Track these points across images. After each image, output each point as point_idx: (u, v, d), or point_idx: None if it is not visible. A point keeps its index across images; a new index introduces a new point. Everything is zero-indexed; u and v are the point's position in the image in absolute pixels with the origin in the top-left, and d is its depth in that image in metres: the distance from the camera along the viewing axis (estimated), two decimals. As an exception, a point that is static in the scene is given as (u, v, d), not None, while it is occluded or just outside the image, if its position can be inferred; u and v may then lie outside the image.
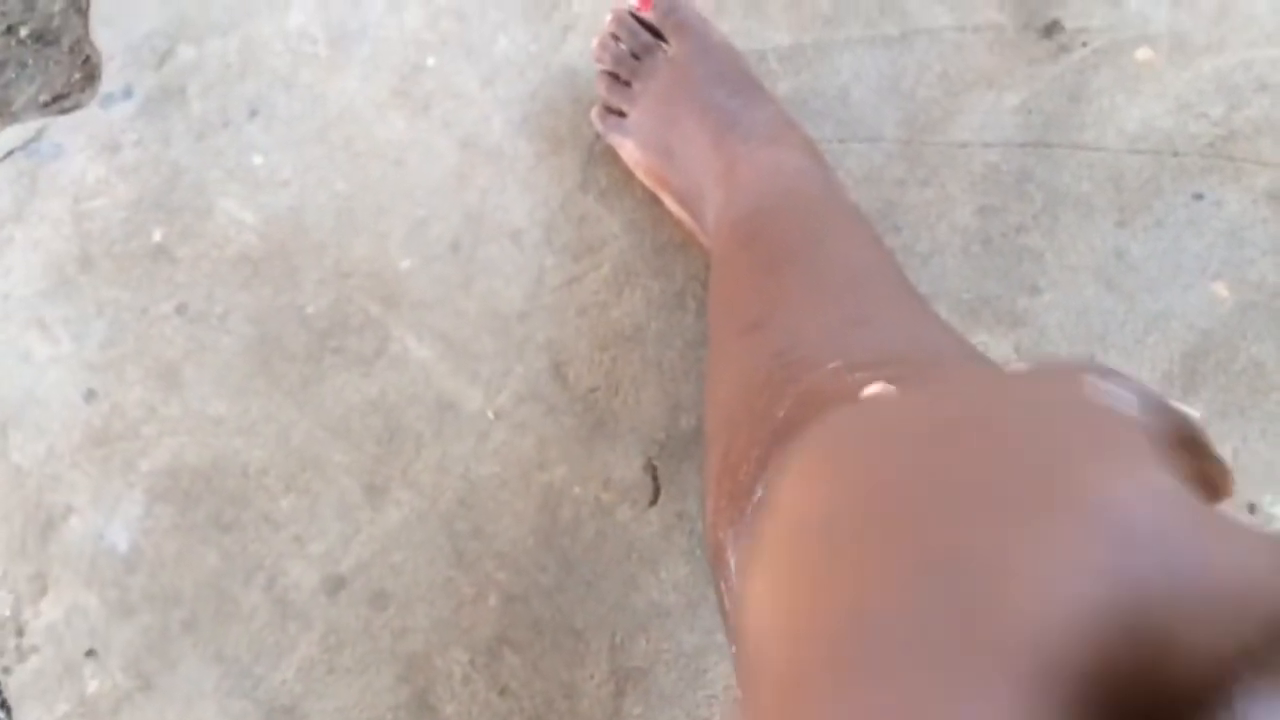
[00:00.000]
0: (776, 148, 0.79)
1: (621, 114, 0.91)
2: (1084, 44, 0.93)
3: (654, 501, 0.88)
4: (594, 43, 0.92)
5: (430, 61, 1.00)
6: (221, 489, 0.91)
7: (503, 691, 0.82)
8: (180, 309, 0.97)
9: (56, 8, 1.08)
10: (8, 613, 0.89)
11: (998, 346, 0.85)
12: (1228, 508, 0.28)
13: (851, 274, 0.63)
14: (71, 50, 1.07)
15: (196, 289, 0.97)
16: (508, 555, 0.86)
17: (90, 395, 0.97)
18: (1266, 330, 0.83)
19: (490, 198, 0.95)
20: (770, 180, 0.76)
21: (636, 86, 0.89)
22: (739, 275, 0.69)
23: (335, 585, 0.87)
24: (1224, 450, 0.81)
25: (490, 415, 0.90)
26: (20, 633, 0.89)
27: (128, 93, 1.02)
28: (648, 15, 0.90)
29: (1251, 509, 0.79)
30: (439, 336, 0.93)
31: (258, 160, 0.99)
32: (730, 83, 0.85)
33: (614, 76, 0.91)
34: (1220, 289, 0.84)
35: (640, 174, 0.91)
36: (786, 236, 0.68)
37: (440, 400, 0.91)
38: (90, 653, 0.87)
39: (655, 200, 0.92)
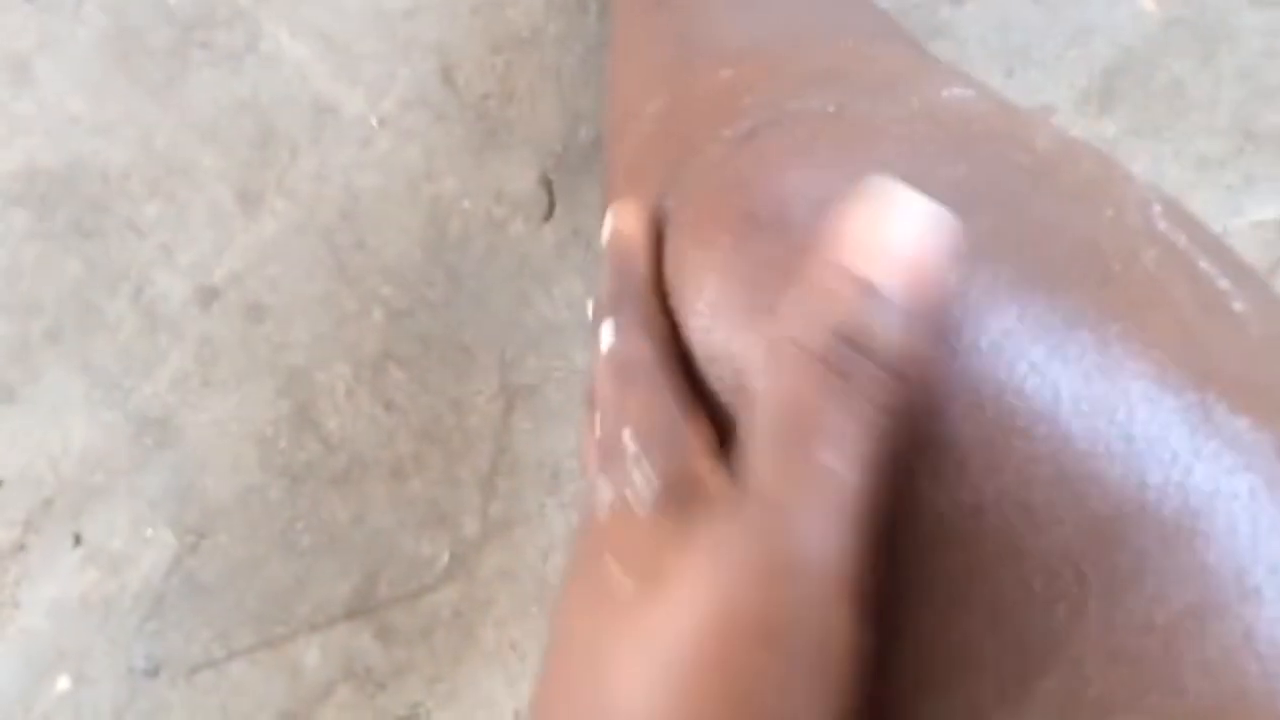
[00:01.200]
0: None
1: None
2: None
3: (548, 216, 0.83)
4: None
5: None
6: (81, 193, 0.84)
7: (388, 406, 0.80)
8: (26, -5, 0.87)
9: None
10: None
11: (914, 59, 0.81)
12: None
13: None
14: None
15: (43, -27, 0.87)
16: (393, 269, 0.82)
17: (-72, 89, 0.88)
18: (1190, 48, 0.79)
19: (371, -124, 0.86)
20: None
21: None
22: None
23: (208, 296, 0.82)
24: (1134, 170, 0.79)
25: (373, 121, 0.84)
26: None
27: None
28: None
29: (1155, 231, 0.78)
30: (316, 33, 0.85)
31: None
32: None
33: None
34: (1148, 3, 0.80)
35: None
36: None
37: (318, 103, 0.84)
38: (-55, 363, 0.82)
39: (555, -115, 0.84)
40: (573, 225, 0.83)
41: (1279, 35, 0.79)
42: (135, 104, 0.85)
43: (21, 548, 0.78)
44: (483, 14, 0.85)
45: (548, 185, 0.84)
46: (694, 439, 0.27)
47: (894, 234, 0.24)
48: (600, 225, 0.33)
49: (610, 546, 0.27)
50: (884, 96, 0.33)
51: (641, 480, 0.26)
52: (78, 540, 0.78)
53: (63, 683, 0.76)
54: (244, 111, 0.85)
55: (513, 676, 0.81)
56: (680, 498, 0.26)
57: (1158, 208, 0.30)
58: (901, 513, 0.24)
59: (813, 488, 0.23)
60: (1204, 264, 0.28)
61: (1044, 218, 0.28)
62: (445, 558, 0.78)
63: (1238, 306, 0.28)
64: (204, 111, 0.85)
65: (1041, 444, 0.24)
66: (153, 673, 0.75)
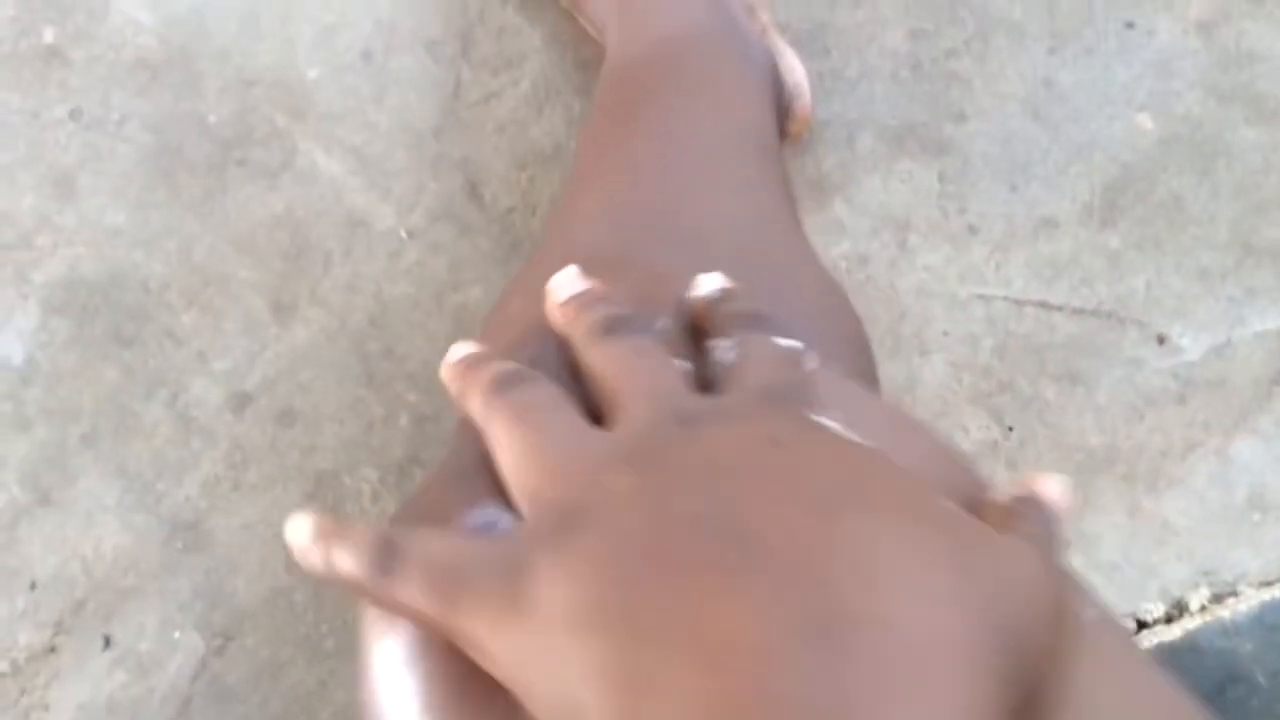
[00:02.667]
0: None
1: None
2: None
3: (570, 325, 0.86)
4: None
5: None
6: (120, 303, 0.87)
7: (412, 509, 0.82)
8: (74, 114, 0.92)
9: None
10: (-104, 426, 0.86)
11: (922, 175, 0.84)
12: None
13: (678, 152, 0.59)
14: None
15: (91, 93, 0.92)
16: (419, 376, 0.85)
17: (-22, 204, 0.92)
18: (1188, 164, 0.82)
19: (403, 4, 0.90)
20: (658, 21, 0.72)
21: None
22: (588, 135, 0.66)
23: (241, 402, 0.85)
24: (1136, 283, 0.81)
25: (403, 234, 0.87)
26: (-90, 446, 0.86)
27: (10, -123, 0.94)
28: None
29: (1161, 340, 0.80)
30: (349, 150, 0.89)
31: (154, -44, 0.92)
32: None
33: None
34: (1145, 121, 0.83)
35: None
36: (638, 97, 0.65)
37: (350, 217, 0.88)
38: (-15, 467, 0.85)
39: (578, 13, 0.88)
40: (593, 333, 0.86)
41: (1275, 150, 0.82)
42: (175, 218, 0.89)
43: (52, 649, 0.80)
44: (507, 132, 0.89)
45: (569, 295, 0.87)
46: None
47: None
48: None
49: None
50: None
51: None
52: (108, 643, 0.80)
53: (89, 785, 0.77)
54: (279, 225, 0.88)
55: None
56: None
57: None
58: None
59: None
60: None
61: None
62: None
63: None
64: (241, 225, 0.88)
65: None
66: (178, 775, 0.76)
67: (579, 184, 0.62)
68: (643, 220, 0.52)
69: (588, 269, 0.44)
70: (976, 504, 0.30)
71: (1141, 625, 0.72)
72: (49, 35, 0.92)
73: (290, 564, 0.81)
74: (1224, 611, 0.69)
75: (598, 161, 0.62)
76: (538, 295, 0.45)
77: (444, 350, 0.87)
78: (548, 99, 0.89)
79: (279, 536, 0.81)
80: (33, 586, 0.81)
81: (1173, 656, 0.65)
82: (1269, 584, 0.72)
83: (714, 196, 0.56)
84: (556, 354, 0.36)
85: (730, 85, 0.69)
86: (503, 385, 0.33)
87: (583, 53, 0.89)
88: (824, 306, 0.56)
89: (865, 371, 0.57)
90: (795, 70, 0.79)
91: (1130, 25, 0.85)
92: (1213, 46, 0.84)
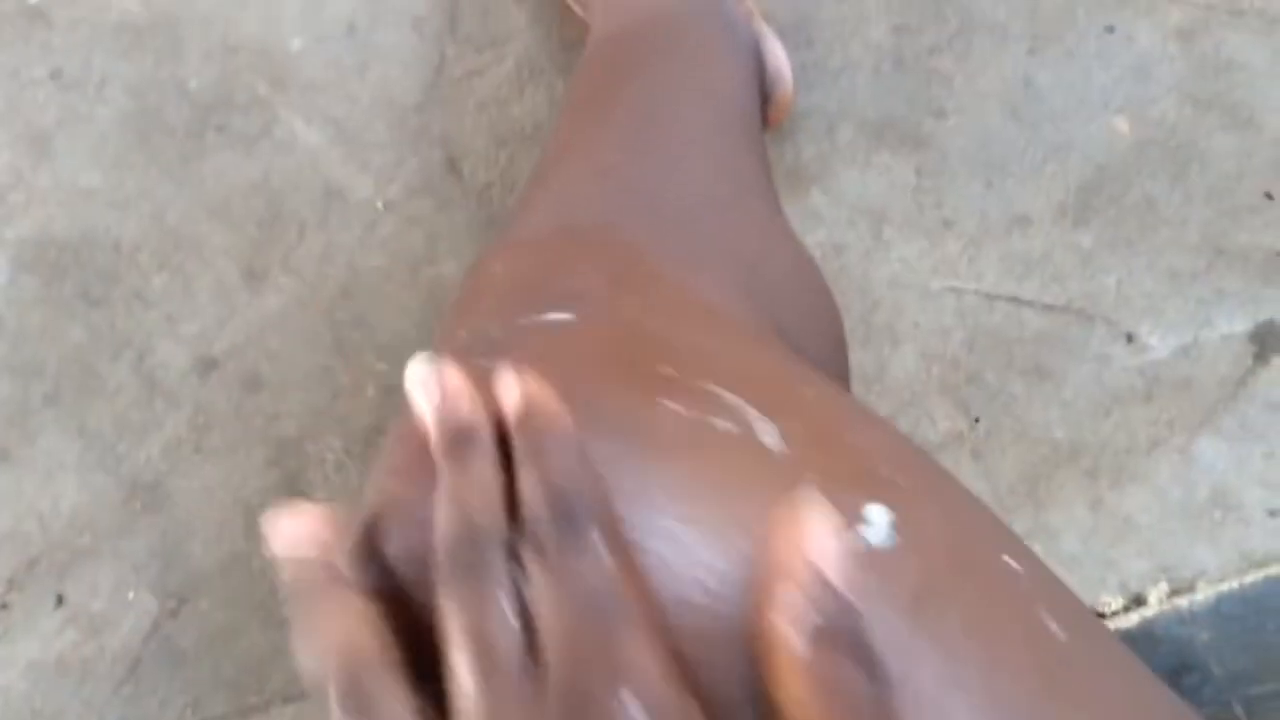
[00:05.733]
0: None
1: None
2: None
3: (543, 303, 0.86)
4: None
5: None
6: (91, 263, 0.87)
7: (375, 479, 0.81)
8: (54, 74, 0.91)
9: None
10: None
11: (900, 169, 0.84)
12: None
13: (661, 124, 0.59)
14: None
15: (73, 55, 0.91)
16: (389, 347, 0.84)
17: (-48, 159, 0.91)
18: (1161, 167, 0.83)
19: (391, -22, 0.90)
20: None
21: None
22: (571, 104, 0.66)
23: (207, 366, 0.84)
24: (1107, 281, 0.82)
25: (379, 205, 0.87)
26: None
27: None
28: None
29: (1129, 338, 0.80)
30: (329, 121, 0.89)
31: (142, -81, 0.92)
32: None
33: None
34: (1121, 124, 0.84)
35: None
36: (622, 69, 0.65)
37: (327, 187, 0.88)
38: (-56, 421, 0.84)
39: (564, -7, 0.88)
40: (566, 313, 0.86)
41: (1248, 157, 0.83)
42: (150, 181, 0.88)
43: (4, 606, 0.79)
44: (489, 110, 0.89)
45: (543, 274, 0.87)
46: None
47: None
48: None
49: None
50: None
51: None
52: (60, 601, 0.79)
53: (33, 744, 0.76)
54: (255, 192, 0.88)
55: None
56: None
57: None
58: None
59: None
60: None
61: None
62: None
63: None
64: (217, 191, 0.88)
65: None
66: (124, 737, 0.75)
67: (560, 150, 0.62)
68: (625, 189, 0.52)
69: (571, 234, 0.44)
70: None
71: (1100, 617, 0.72)
72: (33, -5, 0.92)
73: (248, 530, 0.80)
74: (1182, 600, 0.69)
75: (580, 130, 0.62)
76: (514, 255, 0.45)
77: (417, 323, 0.87)
78: (531, 78, 0.89)
79: (239, 501, 0.80)
80: (-14, 542, 0.80)
81: (1128, 643, 0.65)
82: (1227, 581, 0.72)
83: (695, 169, 0.56)
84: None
85: (715, 62, 0.69)
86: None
87: (567, 34, 0.89)
88: (799, 283, 0.56)
89: (836, 345, 0.57)
90: (778, 56, 0.80)
91: (1110, 30, 0.86)
92: (1191, 54, 0.85)
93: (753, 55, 0.76)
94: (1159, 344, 0.80)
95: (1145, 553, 0.75)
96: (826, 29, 0.88)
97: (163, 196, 0.88)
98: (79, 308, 0.86)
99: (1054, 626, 0.31)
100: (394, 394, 0.83)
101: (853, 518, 0.30)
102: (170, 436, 0.82)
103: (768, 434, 0.33)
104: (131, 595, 0.78)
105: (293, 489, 0.81)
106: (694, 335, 0.39)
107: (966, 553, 0.32)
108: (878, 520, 0.30)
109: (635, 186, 0.53)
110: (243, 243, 0.87)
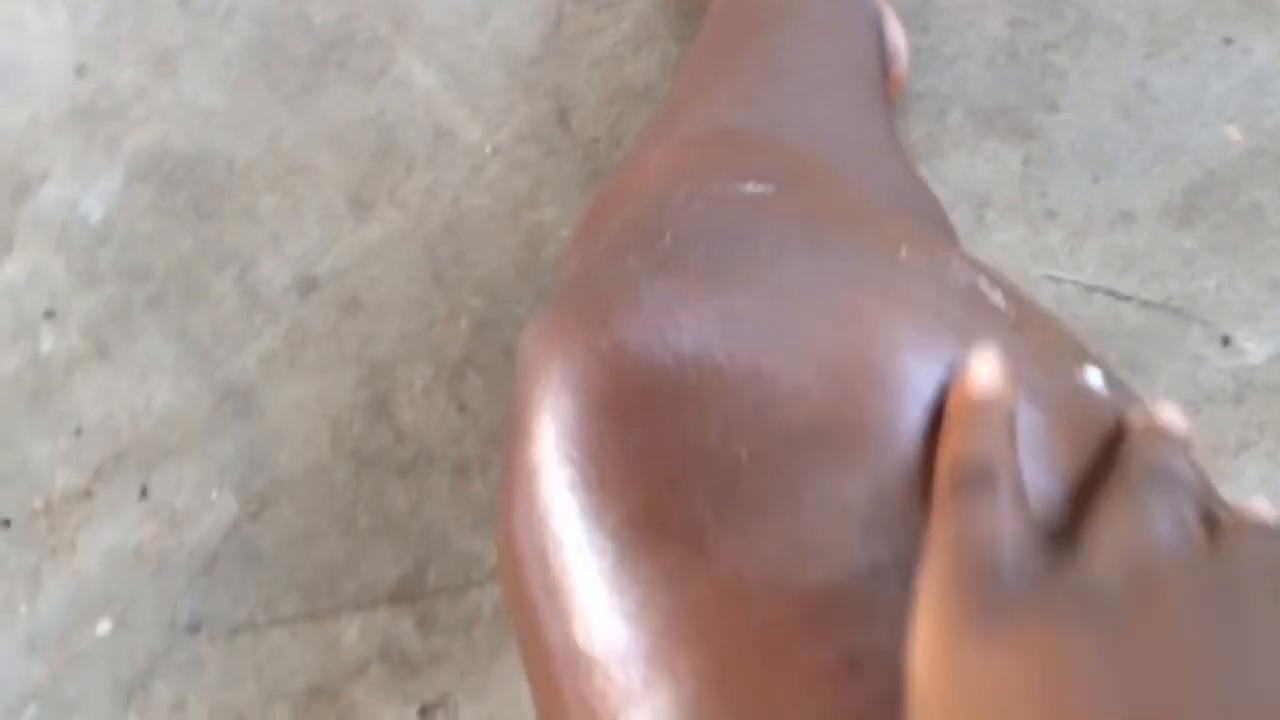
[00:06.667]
0: None
1: None
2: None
3: (638, 258, 0.87)
4: None
5: None
6: (204, 178, 0.89)
7: (461, 408, 0.82)
8: (183, 1, 0.95)
9: None
10: (-30, 263, 0.88)
11: (1008, 157, 0.85)
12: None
13: (789, 73, 0.60)
14: None
15: (204, -17, 0.95)
16: (486, 283, 0.85)
17: (81, 70, 0.94)
18: (1271, 178, 0.83)
19: (521, -68, 0.93)
20: None
21: None
22: (697, 55, 0.67)
23: (308, 286, 0.86)
24: (1208, 284, 0.82)
25: (488, 149, 0.89)
26: (-20, 284, 0.87)
27: None
28: None
29: (1225, 341, 0.80)
30: (446, 66, 0.91)
31: None
32: None
33: None
34: (1234, 132, 0.84)
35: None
36: (751, 25, 0.66)
37: (439, 127, 0.90)
38: (49, 314, 0.86)
39: (688, -39, 0.90)
40: (660, 270, 0.87)
41: (1358, 179, 0.82)
42: (268, 107, 0.91)
43: (88, 494, 0.80)
44: (602, 67, 0.91)
45: (642, 230, 0.88)
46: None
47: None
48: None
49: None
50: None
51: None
52: (144, 493, 0.80)
53: (104, 626, 0.77)
54: (369, 126, 0.90)
55: (538, 701, 0.81)
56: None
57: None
58: None
59: None
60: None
61: None
62: (494, 557, 0.79)
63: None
64: (332, 121, 0.90)
65: None
66: (194, 628, 0.76)
67: (692, 87, 0.63)
68: (771, 114, 0.53)
69: (734, 135, 0.45)
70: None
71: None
72: (173, -76, 0.95)
73: (335, 443, 0.81)
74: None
75: (716, 68, 0.63)
76: (677, 147, 0.45)
77: (514, 262, 0.88)
78: (647, 40, 0.91)
79: (327, 416, 0.82)
80: (78, 432, 0.82)
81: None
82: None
83: (832, 110, 0.57)
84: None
85: (843, 27, 0.70)
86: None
87: (684, 2, 0.91)
88: (941, 221, 0.58)
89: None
90: (896, 34, 0.81)
91: (1229, 41, 0.86)
92: (1308, 71, 0.85)
93: (875, 28, 0.77)
94: (1255, 349, 0.79)
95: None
96: (944, 17, 0.89)
97: (280, 122, 0.90)
98: (189, 219, 0.88)
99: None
100: (486, 328, 0.84)
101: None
102: (266, 349, 0.84)
103: (998, 298, 0.35)
104: (214, 495, 0.80)
105: (381, 409, 0.82)
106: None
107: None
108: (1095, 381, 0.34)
109: (781, 113, 0.53)
110: (353, 173, 0.89)
